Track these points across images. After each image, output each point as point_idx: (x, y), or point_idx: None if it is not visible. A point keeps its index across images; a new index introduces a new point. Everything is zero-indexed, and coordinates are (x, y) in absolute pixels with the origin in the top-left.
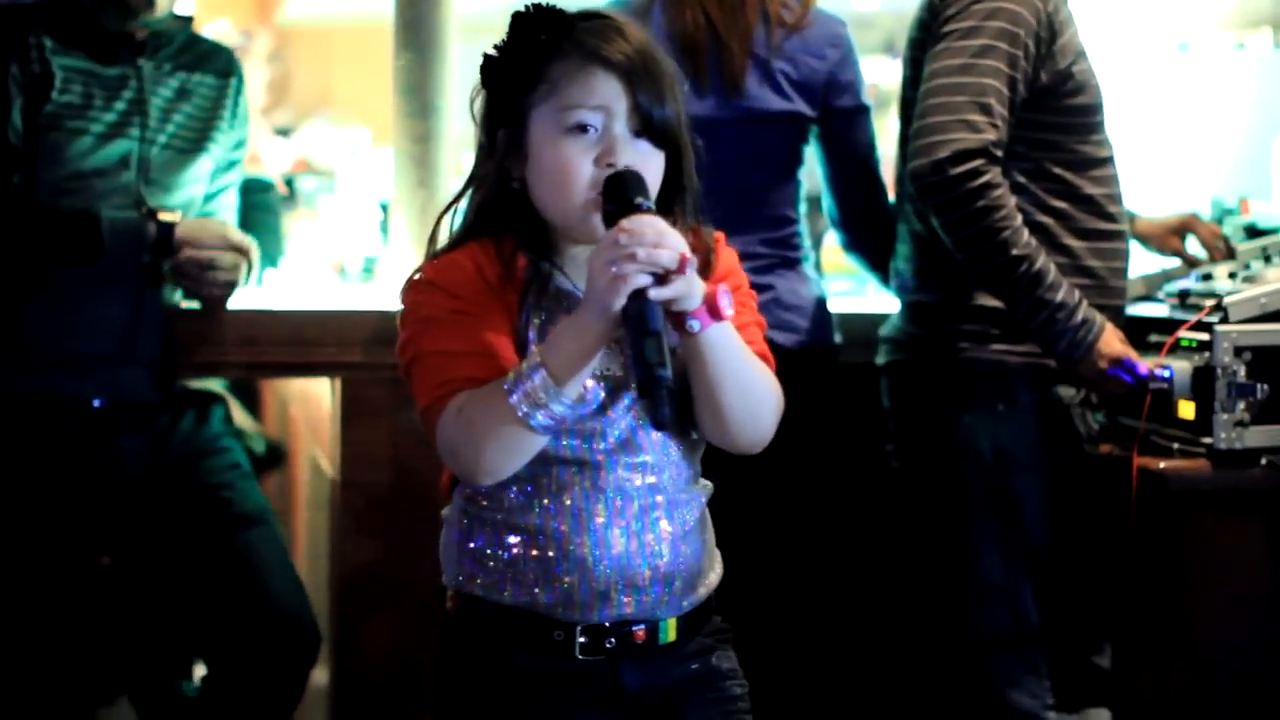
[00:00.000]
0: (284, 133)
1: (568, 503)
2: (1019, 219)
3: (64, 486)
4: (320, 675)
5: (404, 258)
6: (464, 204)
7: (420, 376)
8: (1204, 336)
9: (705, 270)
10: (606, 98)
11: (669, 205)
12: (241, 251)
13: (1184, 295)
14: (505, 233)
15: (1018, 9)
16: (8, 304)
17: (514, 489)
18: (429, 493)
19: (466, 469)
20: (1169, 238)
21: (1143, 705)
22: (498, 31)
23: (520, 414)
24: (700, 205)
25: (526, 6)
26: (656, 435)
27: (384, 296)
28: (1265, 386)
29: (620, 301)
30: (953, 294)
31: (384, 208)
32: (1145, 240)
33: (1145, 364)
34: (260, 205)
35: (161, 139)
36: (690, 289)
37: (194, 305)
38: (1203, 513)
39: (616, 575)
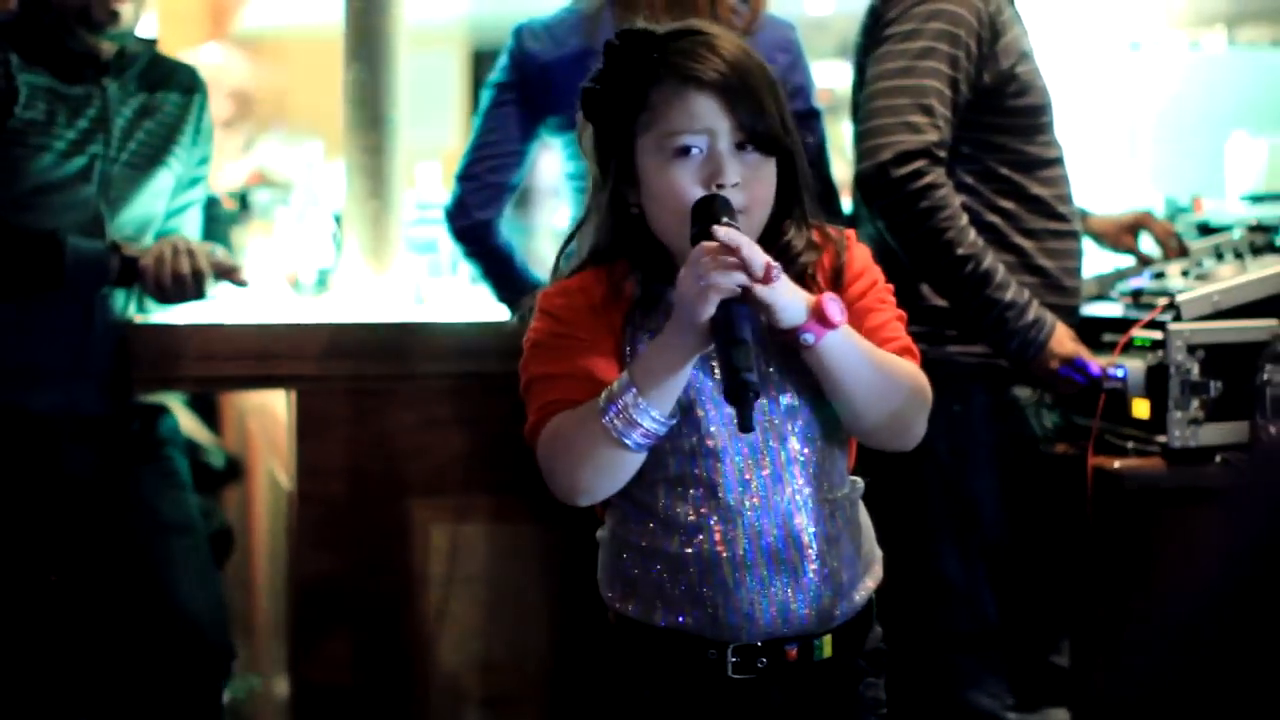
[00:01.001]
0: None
1: (704, 525)
2: (964, 219)
3: (12, 499)
4: (280, 687)
5: (356, 269)
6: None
7: (528, 400)
8: (1157, 335)
9: (838, 268)
10: (707, 119)
11: (788, 209)
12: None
13: (1137, 294)
14: (621, 258)
15: (957, 10)
16: None
17: (653, 514)
18: (385, 504)
19: (563, 489)
20: (1122, 235)
21: (1100, 704)
22: (448, 41)
23: (614, 433)
24: (821, 204)
25: (619, 34)
26: (797, 447)
27: (338, 308)
28: (1219, 384)
29: (706, 313)
30: (906, 295)
31: (337, 219)
32: (1099, 238)
33: (1098, 363)
34: (207, 219)
35: (124, 156)
36: (787, 298)
37: (149, 319)
38: (1158, 511)
39: (759, 596)
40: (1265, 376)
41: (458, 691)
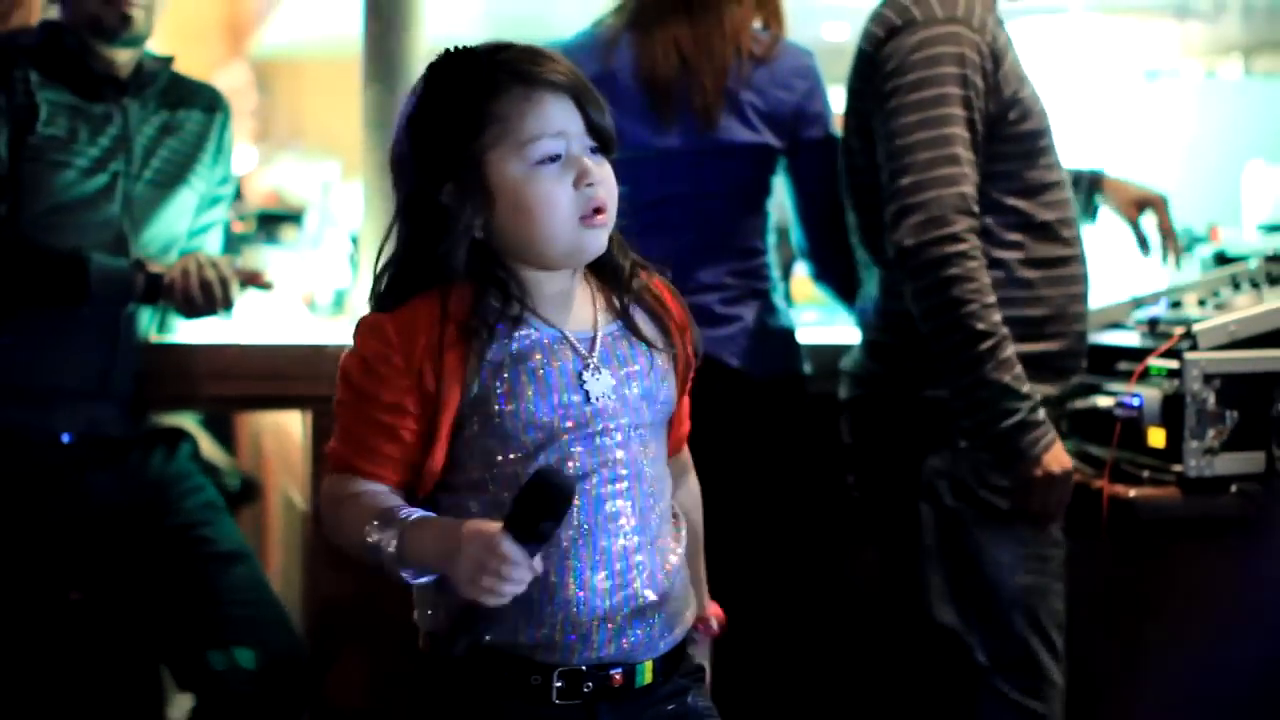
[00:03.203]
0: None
1: (555, 545)
2: (991, 296)
3: (32, 520)
4: None
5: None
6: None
7: (335, 418)
8: (1174, 364)
9: (663, 313)
10: (562, 122)
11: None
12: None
13: (1153, 323)
14: (455, 283)
15: (958, 50)
16: None
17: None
18: None
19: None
20: (1130, 207)
21: None
22: None
23: (371, 558)
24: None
25: (440, 57)
26: (648, 478)
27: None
28: (1235, 414)
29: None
30: (914, 335)
31: (354, 240)
32: (1108, 197)
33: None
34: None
35: (146, 174)
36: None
37: (165, 339)
38: (1173, 541)
39: (599, 617)
40: None
41: None
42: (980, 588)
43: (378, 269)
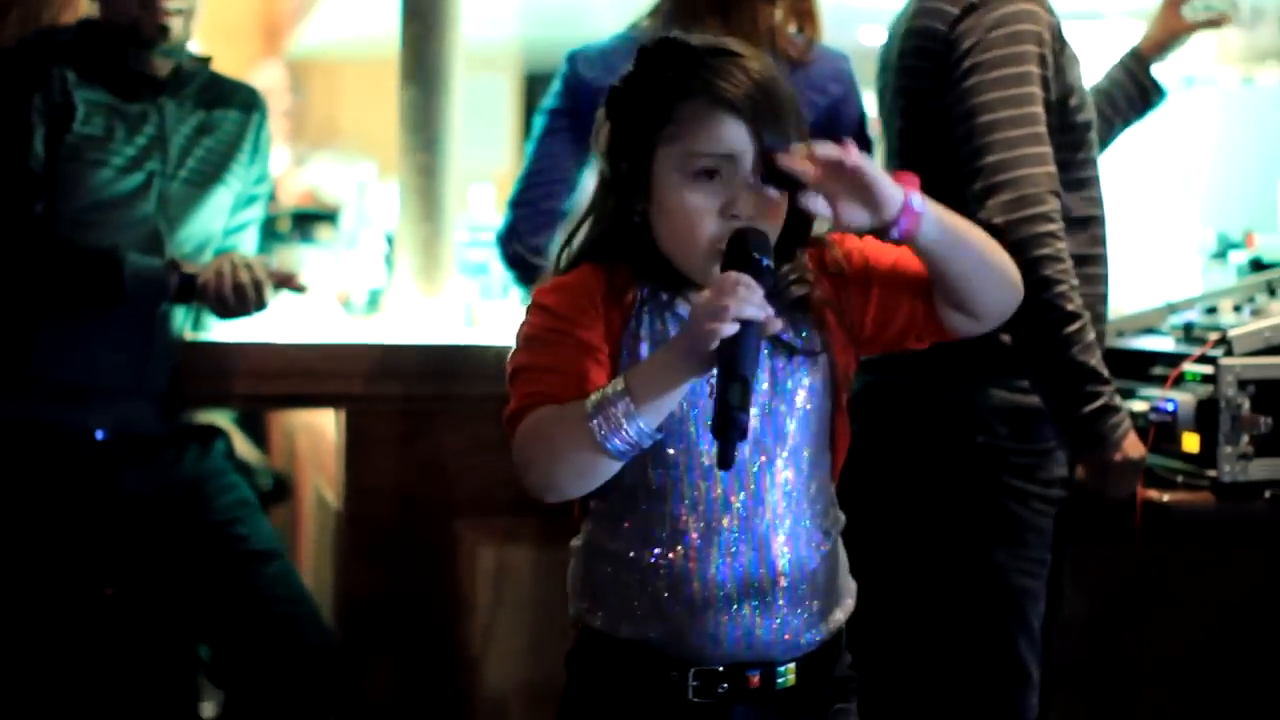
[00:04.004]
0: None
1: (680, 540)
2: (1075, 279)
3: (66, 516)
4: None
5: (408, 290)
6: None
7: (512, 390)
8: (1209, 370)
9: (838, 271)
10: (733, 145)
11: (798, 237)
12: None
13: (1188, 328)
14: (620, 262)
15: (1037, 28)
16: (19, 332)
17: (631, 524)
18: (433, 525)
19: (536, 484)
20: (1167, 18)
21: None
22: (502, 65)
23: (598, 437)
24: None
25: (653, 41)
26: (783, 475)
27: (388, 328)
28: (1269, 419)
29: (715, 340)
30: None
31: (389, 240)
32: (1156, 43)
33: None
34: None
35: (182, 174)
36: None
37: (199, 337)
38: (1206, 545)
39: (727, 616)
40: None
41: (502, 714)
42: (976, 586)
43: (561, 240)
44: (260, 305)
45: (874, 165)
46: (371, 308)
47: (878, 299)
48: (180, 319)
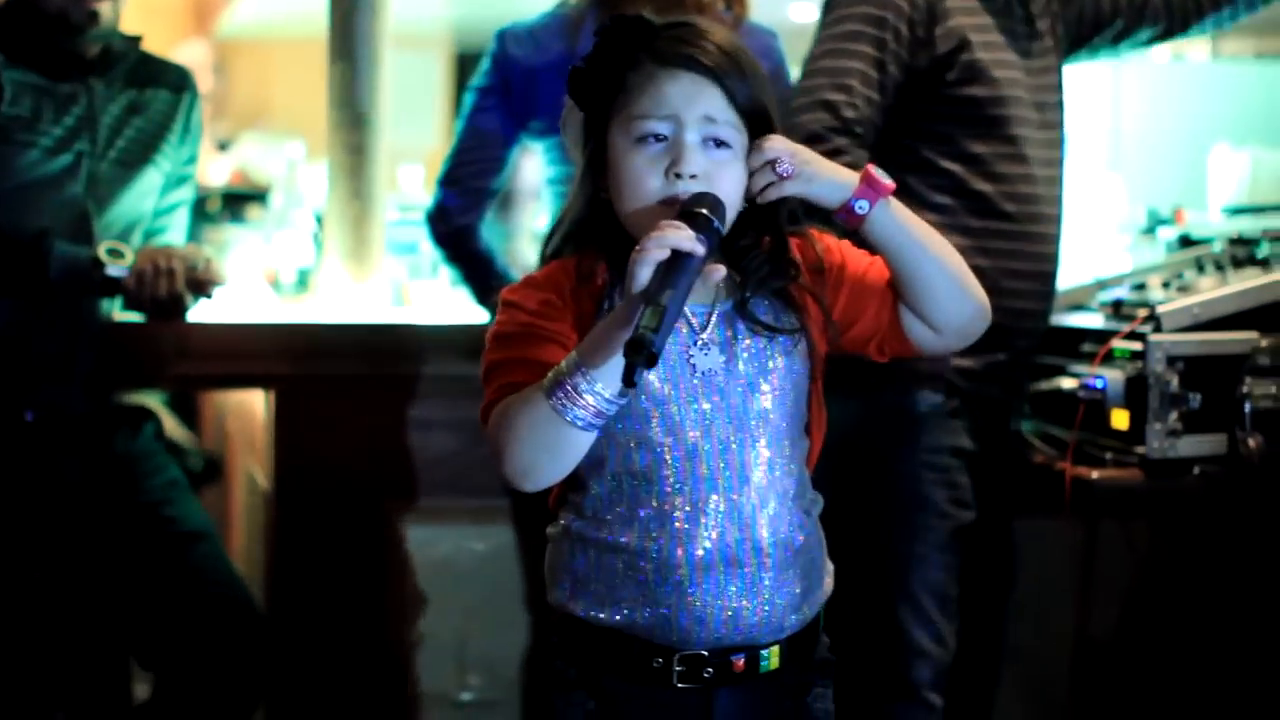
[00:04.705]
0: (223, 145)
1: (666, 523)
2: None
3: (3, 503)
4: None
5: (337, 270)
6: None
7: (486, 384)
8: (1137, 346)
9: (817, 267)
10: (675, 106)
11: (770, 221)
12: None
13: (1117, 305)
14: (590, 248)
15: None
16: None
17: (615, 508)
18: (363, 505)
19: (512, 470)
20: None
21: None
22: (432, 44)
23: (561, 412)
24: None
25: (613, 17)
26: (765, 454)
27: (318, 308)
28: (1198, 396)
29: (643, 279)
30: None
31: (318, 219)
32: None
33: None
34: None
35: (111, 154)
36: (823, 178)
37: (130, 318)
38: (1135, 521)
39: (714, 599)
40: (1245, 389)
41: (436, 694)
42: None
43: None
44: (178, 314)
45: (799, 156)
46: (301, 287)
47: (847, 297)
48: (107, 301)
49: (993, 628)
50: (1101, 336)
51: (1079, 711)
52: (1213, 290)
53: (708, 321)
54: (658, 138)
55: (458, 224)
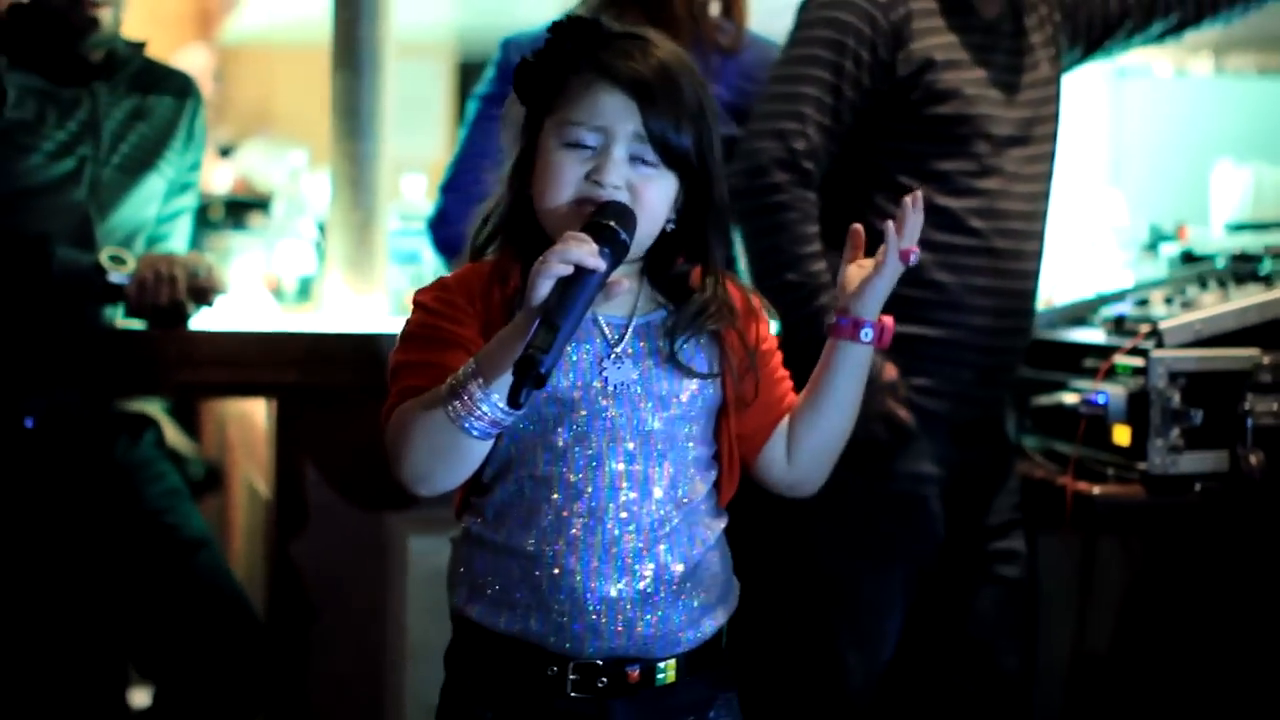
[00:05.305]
0: (226, 151)
1: (564, 529)
2: (811, 246)
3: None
4: None
5: (339, 279)
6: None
7: (390, 385)
8: (1139, 362)
9: (732, 316)
10: (608, 118)
11: (699, 248)
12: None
13: (1119, 320)
14: (510, 248)
15: (846, 18)
16: None
17: (515, 512)
18: (363, 515)
19: (406, 475)
20: None
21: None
22: (435, 53)
23: (455, 420)
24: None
25: (567, 17)
26: (669, 470)
27: (320, 317)
28: (1200, 412)
29: (541, 294)
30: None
31: (321, 228)
32: None
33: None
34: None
35: (114, 159)
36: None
37: (133, 325)
38: (1135, 537)
39: (608, 608)
40: (1247, 406)
41: (434, 704)
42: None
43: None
44: (181, 323)
45: (887, 280)
46: (303, 296)
47: (755, 382)
48: (109, 308)
49: (988, 650)
50: (1103, 352)
51: None
52: (1215, 306)
53: (623, 334)
54: (586, 146)
55: (458, 230)
